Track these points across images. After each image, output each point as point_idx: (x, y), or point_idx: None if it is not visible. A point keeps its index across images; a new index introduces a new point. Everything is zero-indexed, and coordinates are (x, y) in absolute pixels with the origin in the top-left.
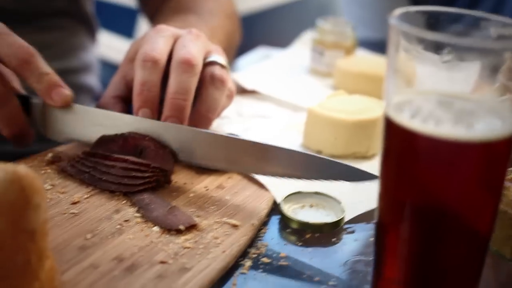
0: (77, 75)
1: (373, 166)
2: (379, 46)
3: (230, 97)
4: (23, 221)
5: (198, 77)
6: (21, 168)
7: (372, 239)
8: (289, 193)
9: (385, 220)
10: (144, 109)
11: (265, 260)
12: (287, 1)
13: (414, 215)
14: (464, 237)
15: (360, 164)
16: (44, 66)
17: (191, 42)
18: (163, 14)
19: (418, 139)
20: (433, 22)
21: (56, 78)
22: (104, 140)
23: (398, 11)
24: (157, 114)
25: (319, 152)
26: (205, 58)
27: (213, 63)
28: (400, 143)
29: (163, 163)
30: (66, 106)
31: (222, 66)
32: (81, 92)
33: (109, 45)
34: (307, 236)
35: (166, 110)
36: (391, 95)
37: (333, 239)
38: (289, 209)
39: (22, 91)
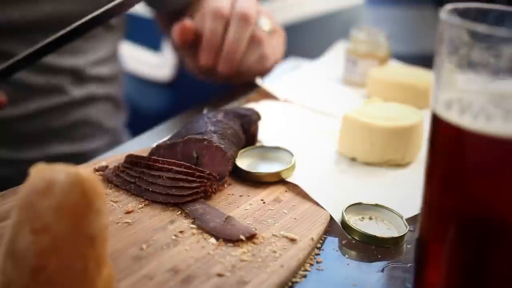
0: (107, 84)
1: (408, 174)
2: (410, 60)
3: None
4: (83, 226)
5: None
6: (83, 171)
7: (409, 246)
8: (350, 204)
9: (429, 227)
10: None
11: None
12: (318, 14)
13: (462, 222)
14: None
15: (395, 171)
16: None
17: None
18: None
19: (467, 136)
20: (483, 20)
21: None
22: (160, 147)
23: (449, 6)
24: None
25: (354, 159)
26: None
27: None
28: (448, 142)
29: (216, 168)
30: None
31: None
32: (106, 102)
33: (134, 58)
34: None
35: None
36: (440, 92)
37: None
38: (349, 220)
39: None
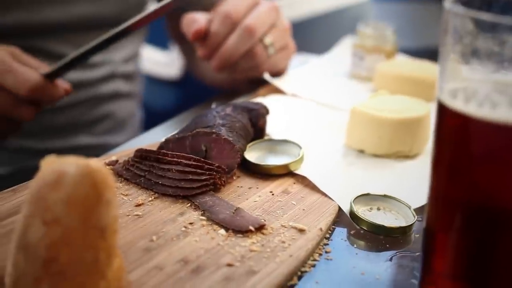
0: (130, 81)
1: (416, 165)
2: (417, 54)
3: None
4: (94, 217)
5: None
6: (94, 163)
7: (417, 235)
8: (358, 195)
9: (436, 216)
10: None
11: None
12: (326, 10)
13: (467, 211)
14: None
15: (403, 163)
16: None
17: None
18: None
19: (473, 124)
20: (487, 10)
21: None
22: (169, 141)
23: None
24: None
25: (362, 151)
26: None
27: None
28: (453, 130)
29: (225, 161)
30: None
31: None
32: (129, 99)
33: (143, 56)
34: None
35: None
36: (445, 82)
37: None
38: (358, 211)
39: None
